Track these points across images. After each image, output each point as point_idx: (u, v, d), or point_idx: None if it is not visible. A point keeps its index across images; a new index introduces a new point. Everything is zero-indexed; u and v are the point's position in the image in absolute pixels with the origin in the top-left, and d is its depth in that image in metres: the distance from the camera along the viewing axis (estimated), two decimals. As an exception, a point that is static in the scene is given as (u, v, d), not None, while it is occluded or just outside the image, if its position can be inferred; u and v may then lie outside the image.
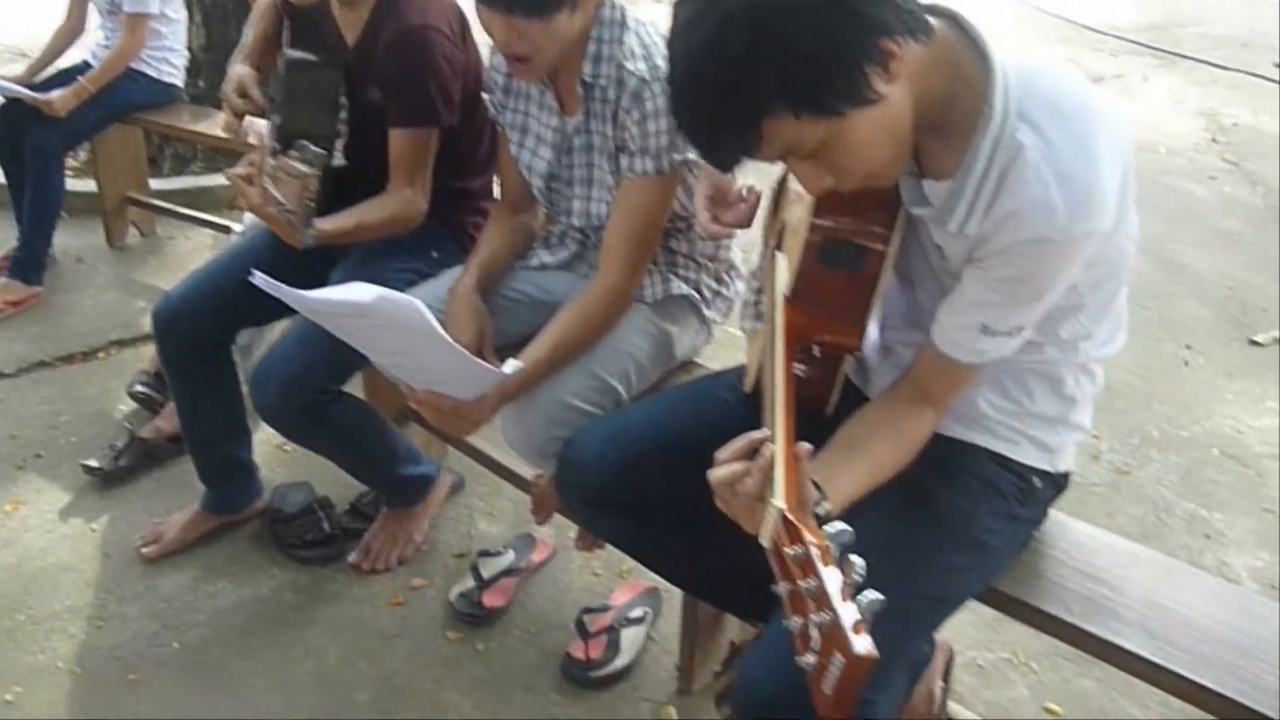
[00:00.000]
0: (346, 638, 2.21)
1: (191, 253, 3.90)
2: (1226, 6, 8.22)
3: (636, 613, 2.19)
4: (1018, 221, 1.21)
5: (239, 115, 2.37)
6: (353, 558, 2.39)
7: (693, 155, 1.75)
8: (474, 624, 2.23)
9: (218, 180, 4.08)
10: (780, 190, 1.68)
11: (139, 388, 2.87)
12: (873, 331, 1.64)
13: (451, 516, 2.55)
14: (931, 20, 1.20)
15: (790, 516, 1.07)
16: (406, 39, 2.05)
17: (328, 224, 2.03)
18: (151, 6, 3.41)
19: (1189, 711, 2.04)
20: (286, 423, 2.10)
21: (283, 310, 1.91)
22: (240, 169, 1.95)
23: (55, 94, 3.35)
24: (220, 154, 4.15)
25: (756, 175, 1.53)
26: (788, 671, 1.31)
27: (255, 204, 1.92)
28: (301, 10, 2.21)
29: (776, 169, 1.52)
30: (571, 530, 2.34)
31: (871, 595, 0.96)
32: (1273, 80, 6.29)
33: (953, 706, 1.81)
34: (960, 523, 1.44)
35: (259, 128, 2.70)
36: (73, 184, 3.87)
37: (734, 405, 1.64)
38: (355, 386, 2.28)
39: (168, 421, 2.68)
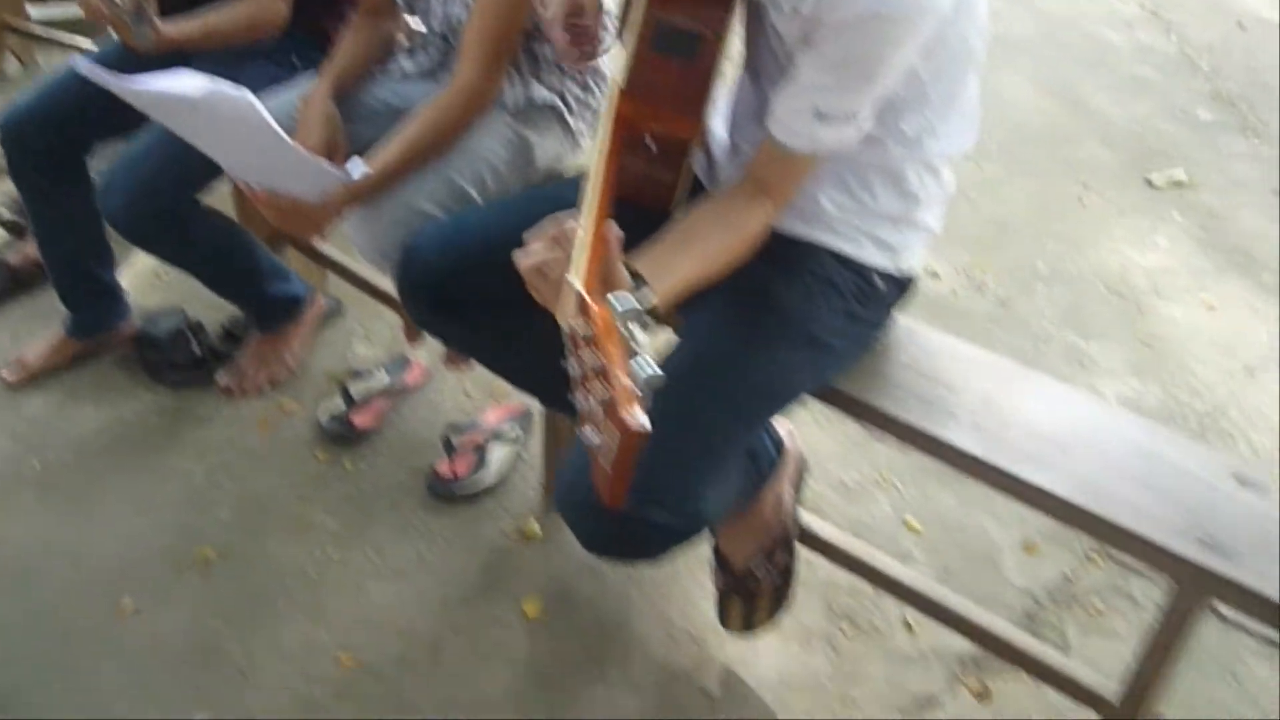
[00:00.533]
0: (213, 459, 2.18)
1: (73, 81, 3.73)
2: None
3: (506, 432, 2.17)
4: None
5: None
6: (222, 380, 2.35)
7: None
8: (343, 444, 2.21)
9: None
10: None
11: (4, 213, 2.76)
12: (721, 131, 1.60)
13: (327, 341, 2.50)
14: None
15: (582, 293, 1.04)
16: None
17: (172, 28, 1.93)
18: None
19: (1044, 525, 2.10)
20: (135, 231, 2.02)
21: (140, 121, 1.83)
22: None
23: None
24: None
25: None
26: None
27: (89, 2, 1.82)
28: None
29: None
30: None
31: (650, 370, 0.94)
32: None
33: (810, 518, 1.82)
34: (797, 319, 1.43)
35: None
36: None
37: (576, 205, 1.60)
38: (229, 209, 2.23)
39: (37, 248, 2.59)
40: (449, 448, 2.11)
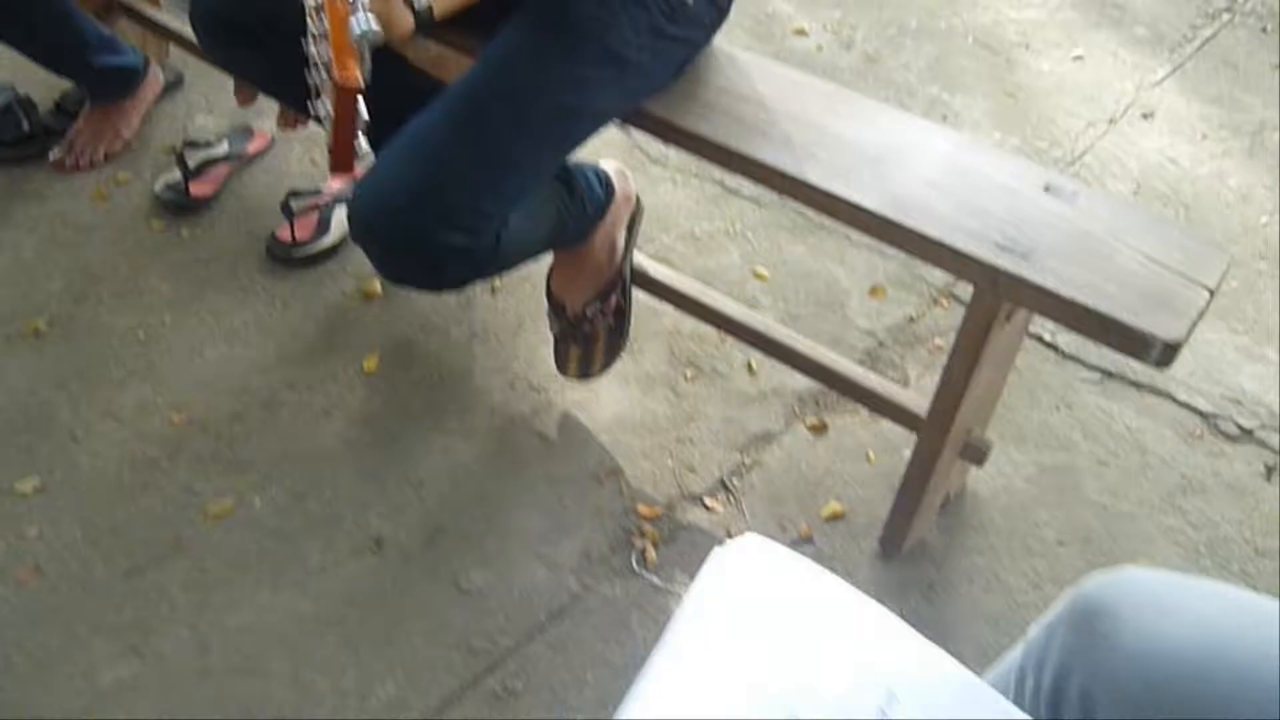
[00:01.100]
0: (43, 232, 2.10)
1: None
2: None
3: (349, 197, 2.10)
4: None
5: None
6: (54, 154, 2.24)
7: None
8: (179, 213, 2.14)
9: None
10: None
11: None
12: None
13: (168, 113, 2.39)
14: None
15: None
16: None
17: None
18: None
19: (892, 271, 2.11)
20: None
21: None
22: None
23: None
24: None
25: None
26: (387, 178, 1.27)
27: None
28: None
29: None
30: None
31: (367, 26, 0.89)
32: None
33: (655, 266, 1.80)
34: (595, 33, 1.37)
35: None
36: None
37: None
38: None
39: None
40: (289, 213, 2.05)
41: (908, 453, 1.57)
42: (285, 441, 1.75)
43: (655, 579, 1.60)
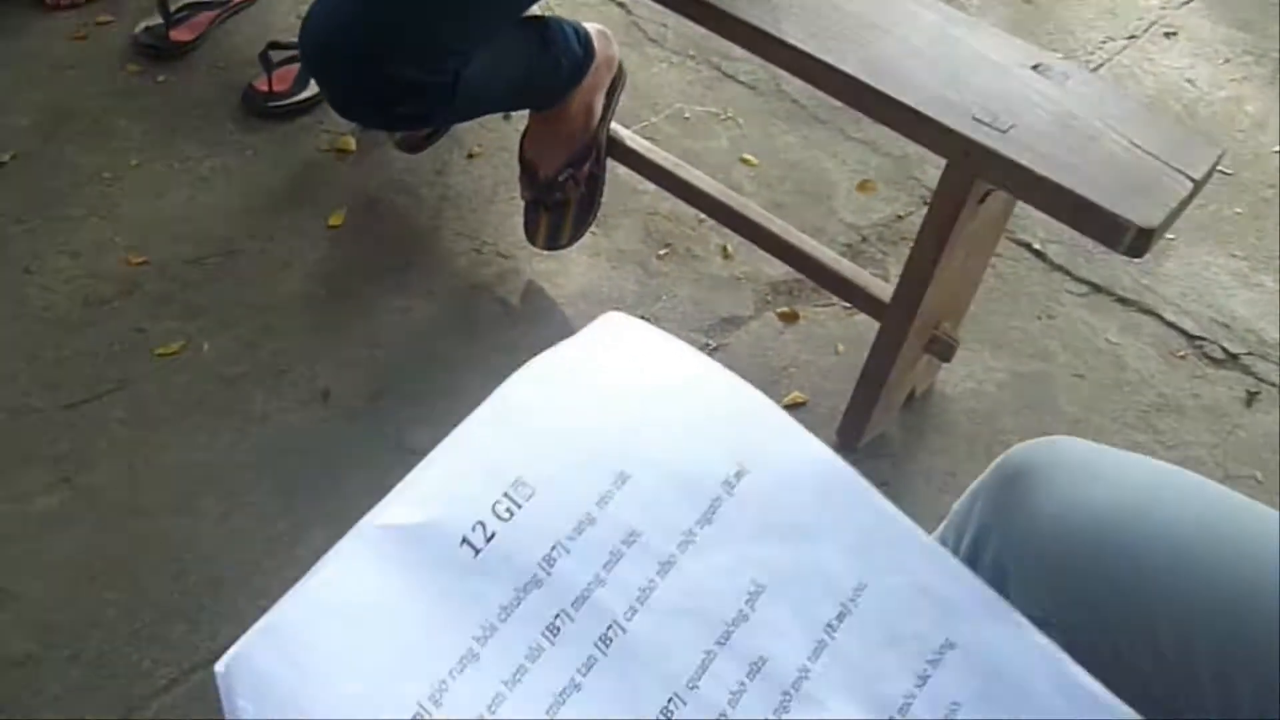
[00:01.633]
0: (17, 69, 2.04)
1: None
2: None
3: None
4: None
5: None
6: (35, -10, 2.18)
7: None
8: (156, 57, 2.07)
9: None
10: None
11: None
12: None
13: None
14: None
15: None
16: None
17: None
18: None
19: (885, 167, 2.04)
20: None
21: None
22: None
23: None
24: None
25: None
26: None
27: None
28: None
29: None
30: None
31: None
32: None
33: (637, 141, 1.74)
34: None
35: None
36: None
37: None
38: None
39: None
40: (267, 64, 1.98)
41: (875, 343, 1.52)
42: (241, 290, 1.71)
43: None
